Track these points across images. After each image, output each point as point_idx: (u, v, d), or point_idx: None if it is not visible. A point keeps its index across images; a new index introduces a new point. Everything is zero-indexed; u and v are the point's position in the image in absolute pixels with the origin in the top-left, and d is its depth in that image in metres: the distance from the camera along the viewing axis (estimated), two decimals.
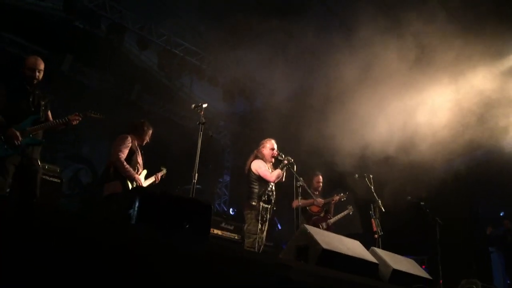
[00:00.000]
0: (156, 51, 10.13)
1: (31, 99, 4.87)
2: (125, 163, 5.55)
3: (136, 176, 5.68)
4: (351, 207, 8.01)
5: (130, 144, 5.69)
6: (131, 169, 5.59)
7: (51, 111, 5.11)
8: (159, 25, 9.80)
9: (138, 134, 5.88)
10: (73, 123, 5.13)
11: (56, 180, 6.66)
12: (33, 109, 4.86)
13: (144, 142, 5.99)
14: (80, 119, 5.20)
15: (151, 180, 6.06)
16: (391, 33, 7.43)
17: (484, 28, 6.98)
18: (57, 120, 5.03)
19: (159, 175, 6.23)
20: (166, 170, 6.39)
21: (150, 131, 6.01)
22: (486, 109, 7.57)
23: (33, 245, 1.77)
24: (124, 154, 5.59)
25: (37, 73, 4.89)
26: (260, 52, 10.22)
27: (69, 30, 9.62)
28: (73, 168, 9.65)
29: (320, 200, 7.76)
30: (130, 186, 5.56)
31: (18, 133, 4.66)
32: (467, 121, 7.61)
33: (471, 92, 7.58)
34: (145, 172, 5.96)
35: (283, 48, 9.82)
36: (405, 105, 7.89)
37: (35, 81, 4.90)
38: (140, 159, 5.86)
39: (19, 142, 4.65)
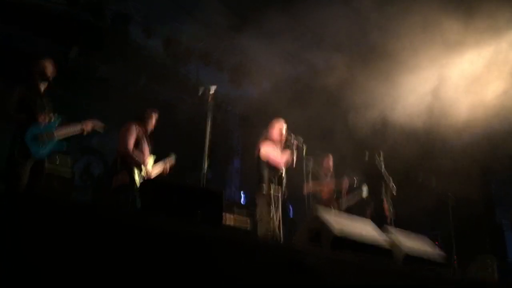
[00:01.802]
0: (161, 39, 10.09)
1: (44, 101, 4.99)
2: (133, 154, 5.60)
3: (146, 166, 5.75)
4: (365, 189, 7.95)
5: (136, 132, 5.73)
6: (138, 160, 5.64)
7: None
8: (163, 13, 9.74)
9: (143, 121, 5.92)
10: (84, 133, 5.39)
11: (67, 173, 6.72)
12: (47, 111, 4.98)
13: (151, 128, 6.01)
14: (89, 131, 5.43)
15: (159, 167, 6.06)
16: None
17: None
18: (74, 128, 5.23)
19: (168, 164, 6.22)
20: (176, 157, 6.39)
21: (155, 117, 6.04)
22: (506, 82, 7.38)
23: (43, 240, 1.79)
24: (131, 143, 5.63)
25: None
26: (265, 35, 10.17)
27: (74, 22, 9.60)
28: (84, 160, 9.71)
29: (331, 183, 7.74)
30: (137, 176, 5.60)
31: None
32: (484, 96, 7.42)
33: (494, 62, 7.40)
34: (152, 159, 5.97)
35: (289, 28, 9.75)
36: (434, 75, 7.71)
37: (51, 80, 5.05)
38: (146, 146, 5.87)
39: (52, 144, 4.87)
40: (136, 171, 5.61)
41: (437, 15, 6.95)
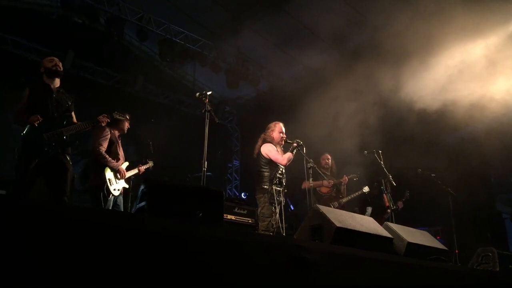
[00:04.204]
0: (157, 41, 10.09)
1: (54, 96, 4.91)
2: (106, 155, 5.72)
3: (120, 167, 5.88)
4: (366, 187, 7.92)
5: (108, 135, 5.82)
6: (113, 161, 5.78)
7: (74, 111, 5.15)
8: (157, 15, 9.74)
9: (115, 124, 5.96)
10: (103, 124, 5.23)
11: None
12: (56, 107, 4.88)
13: (126, 129, 6.11)
14: (109, 120, 5.28)
15: (134, 171, 6.22)
16: None
17: None
18: (87, 122, 5.08)
19: (143, 167, 6.41)
20: (153, 163, 6.62)
21: (127, 117, 6.09)
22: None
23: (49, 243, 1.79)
24: (104, 146, 5.75)
25: (57, 62, 4.97)
26: (261, 34, 10.18)
27: (69, 26, 9.62)
28: (83, 163, 9.70)
29: (330, 181, 7.76)
30: (111, 177, 5.74)
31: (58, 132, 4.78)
32: (488, 88, 7.33)
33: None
34: (126, 163, 6.11)
35: (282, 27, 9.76)
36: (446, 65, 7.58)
37: (58, 69, 4.94)
38: (120, 150, 6.01)
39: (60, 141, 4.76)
40: (108, 172, 5.73)
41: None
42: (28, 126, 4.65)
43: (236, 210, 7.10)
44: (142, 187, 3.64)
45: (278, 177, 6.02)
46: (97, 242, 1.91)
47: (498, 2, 6.86)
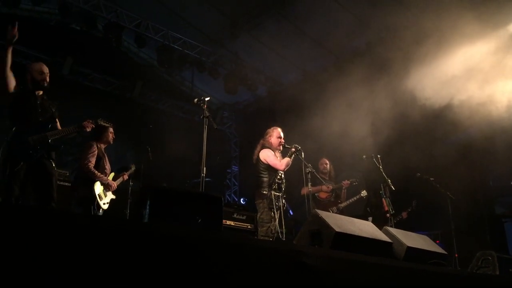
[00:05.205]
0: (155, 47, 10.11)
1: (38, 102, 4.91)
2: (95, 171, 5.87)
3: (109, 180, 6.05)
4: (364, 191, 7.93)
5: (96, 151, 5.96)
6: (102, 175, 5.94)
7: (58, 118, 5.16)
8: (155, 21, 9.76)
9: (101, 137, 6.10)
10: (87, 130, 5.23)
11: (66, 184, 6.73)
12: (41, 113, 4.90)
13: (111, 139, 6.22)
14: (93, 126, 5.31)
15: (119, 180, 6.39)
16: None
17: None
18: (72, 127, 5.11)
19: (127, 174, 6.61)
20: (135, 167, 6.86)
21: (111, 128, 6.16)
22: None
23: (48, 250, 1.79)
24: (92, 162, 5.89)
25: (46, 76, 4.97)
26: (259, 40, 10.21)
27: (67, 33, 9.65)
28: None
29: (329, 186, 7.75)
30: (100, 191, 5.91)
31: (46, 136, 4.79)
32: (485, 92, 7.33)
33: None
34: (112, 174, 6.31)
35: (280, 33, 9.79)
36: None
37: (45, 84, 4.96)
38: (107, 164, 6.15)
39: (45, 145, 4.76)
40: (97, 187, 5.89)
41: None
42: (13, 129, 4.67)
43: (235, 215, 7.08)
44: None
45: (277, 182, 6.00)
46: (99, 246, 1.91)
47: (507, 3, 6.87)
